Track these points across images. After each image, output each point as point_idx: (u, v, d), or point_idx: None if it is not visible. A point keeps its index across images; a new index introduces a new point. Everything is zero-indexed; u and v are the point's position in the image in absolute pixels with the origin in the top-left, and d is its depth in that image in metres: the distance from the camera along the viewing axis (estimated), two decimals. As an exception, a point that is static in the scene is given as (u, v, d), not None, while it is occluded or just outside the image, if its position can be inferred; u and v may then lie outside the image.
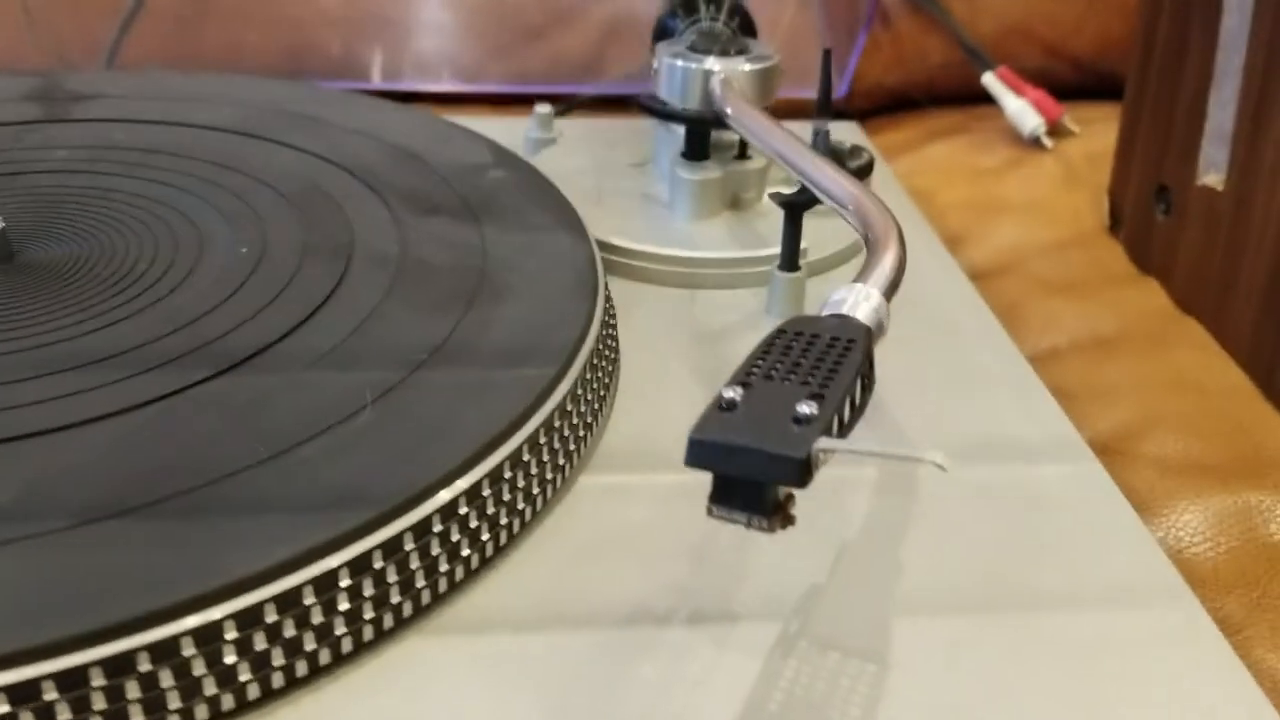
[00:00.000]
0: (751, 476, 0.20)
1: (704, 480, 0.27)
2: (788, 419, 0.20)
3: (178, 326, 0.29)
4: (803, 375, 0.22)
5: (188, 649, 0.21)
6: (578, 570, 0.26)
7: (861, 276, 0.27)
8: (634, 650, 0.24)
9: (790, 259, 0.36)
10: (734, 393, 0.21)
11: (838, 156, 0.43)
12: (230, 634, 0.22)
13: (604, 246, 0.38)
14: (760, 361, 0.23)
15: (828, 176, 0.32)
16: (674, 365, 0.34)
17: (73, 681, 0.20)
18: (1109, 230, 0.59)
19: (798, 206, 0.35)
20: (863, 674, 0.24)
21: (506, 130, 0.45)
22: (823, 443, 0.20)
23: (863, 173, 0.44)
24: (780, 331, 0.24)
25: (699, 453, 0.20)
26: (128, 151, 0.39)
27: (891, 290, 0.27)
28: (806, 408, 0.21)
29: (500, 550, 0.26)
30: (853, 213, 0.31)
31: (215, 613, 0.21)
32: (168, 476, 0.24)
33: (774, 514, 0.20)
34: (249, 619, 0.22)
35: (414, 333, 0.30)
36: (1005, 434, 0.32)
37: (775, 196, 0.35)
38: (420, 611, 0.25)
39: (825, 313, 0.25)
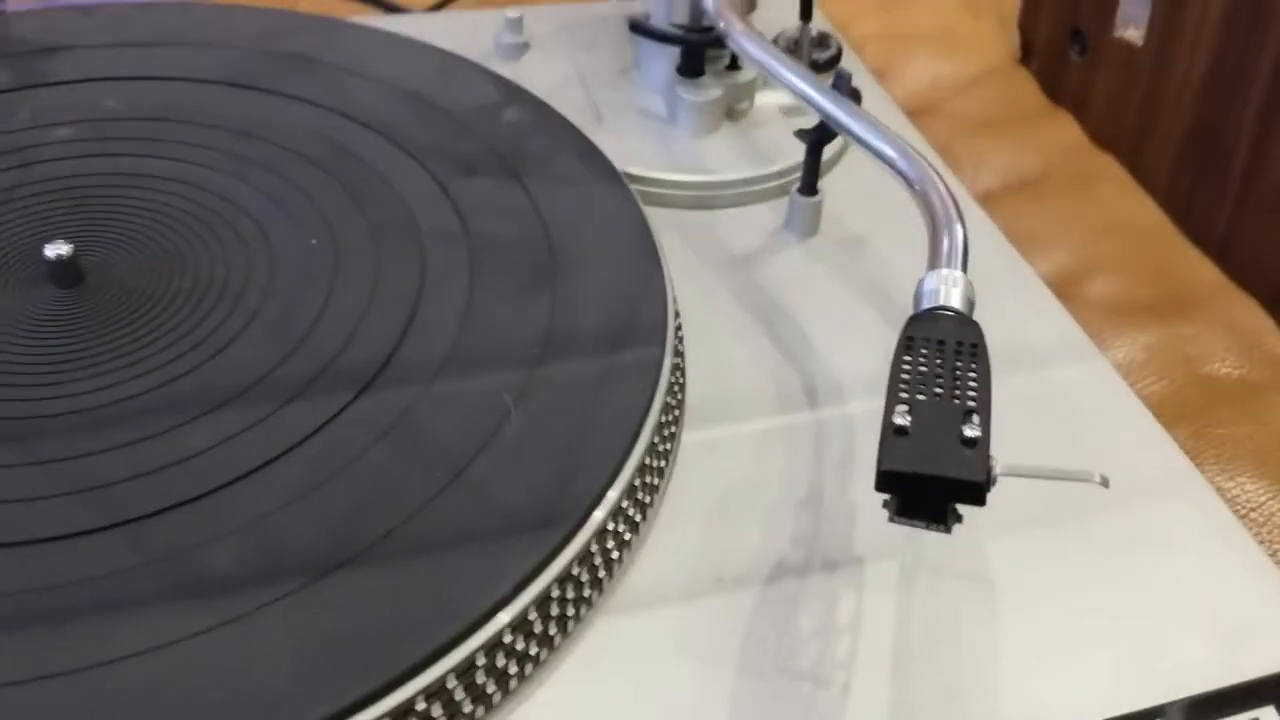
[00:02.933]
0: (938, 499, 0.24)
1: (791, 424, 0.31)
2: (957, 441, 0.24)
3: (294, 346, 0.31)
4: (949, 388, 0.26)
5: (451, 683, 0.24)
6: (713, 534, 0.30)
7: (936, 258, 0.30)
8: (788, 603, 0.29)
9: (810, 184, 0.39)
10: (903, 419, 0.25)
11: (814, 59, 0.45)
12: (481, 660, 0.25)
13: (630, 178, 0.40)
14: (906, 377, 0.26)
15: (878, 137, 0.34)
16: (723, 301, 0.37)
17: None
18: (1019, 61, 0.63)
19: (820, 141, 0.38)
20: (976, 595, 0.29)
21: (467, 33, 0.45)
22: (999, 469, 0.24)
23: (832, 62, 0.46)
24: (909, 339, 0.27)
25: (890, 481, 0.24)
26: (130, 123, 0.38)
27: (966, 258, 0.31)
28: (970, 430, 0.24)
29: (645, 524, 0.30)
30: (915, 188, 0.33)
31: (468, 647, 0.25)
32: (366, 518, 0.27)
33: (952, 521, 0.24)
34: (493, 644, 0.25)
35: (517, 322, 0.32)
36: (1016, 339, 0.37)
37: (801, 135, 0.38)
38: (603, 593, 0.28)
39: (923, 305, 0.29)
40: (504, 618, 0.25)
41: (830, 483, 0.32)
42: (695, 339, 0.36)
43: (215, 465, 0.28)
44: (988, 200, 0.55)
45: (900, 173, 0.33)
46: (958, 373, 0.26)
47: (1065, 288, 0.50)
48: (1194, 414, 0.44)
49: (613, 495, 0.28)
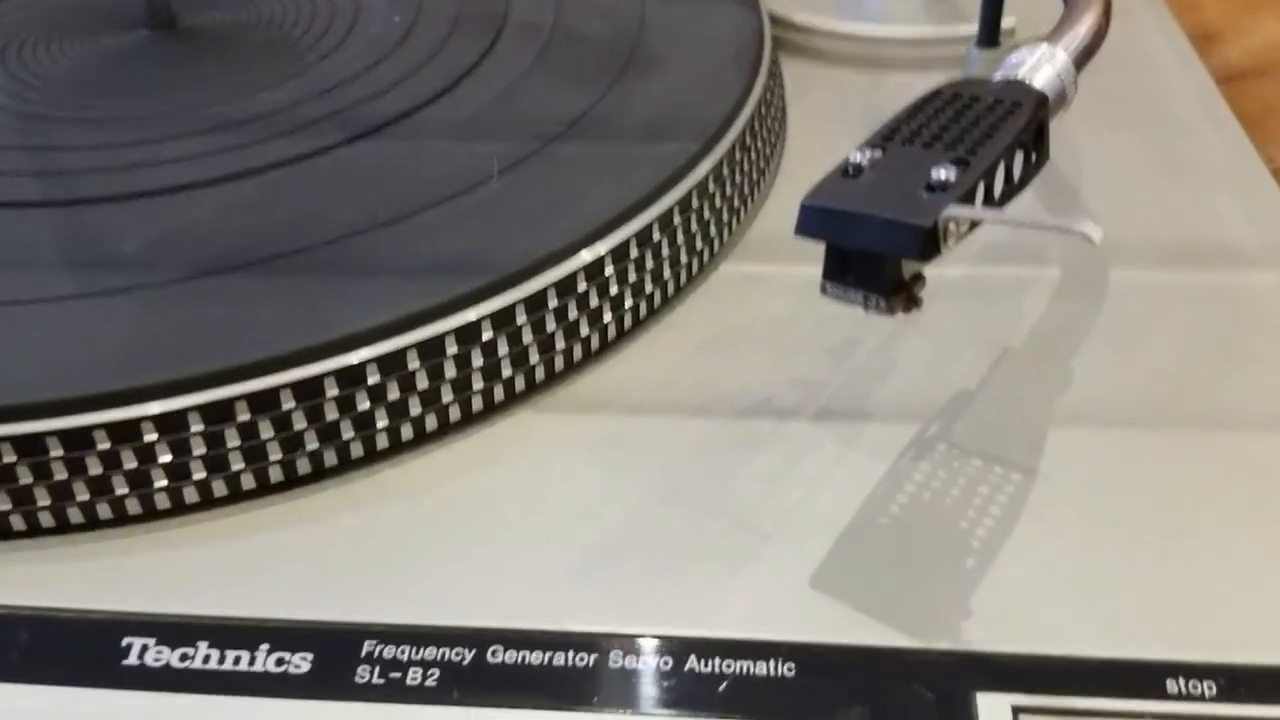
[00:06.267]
0: (867, 246, 0.17)
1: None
2: (919, 185, 0.18)
3: (319, 92, 0.29)
4: (949, 140, 0.19)
5: (287, 402, 0.21)
6: (704, 358, 0.25)
7: (1050, 37, 0.23)
8: (751, 441, 0.23)
9: (990, 33, 0.32)
10: (863, 156, 0.19)
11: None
12: (331, 391, 0.21)
13: (781, 23, 0.35)
14: (904, 124, 0.20)
15: None
16: (845, 152, 0.31)
17: (172, 424, 0.20)
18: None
19: (999, -28, 0.31)
20: (1004, 483, 0.21)
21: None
22: (953, 210, 0.17)
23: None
24: (936, 92, 0.21)
25: (812, 220, 0.18)
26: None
27: (1084, 57, 0.23)
28: (944, 173, 0.18)
29: (625, 333, 0.25)
30: None
31: (314, 369, 0.21)
32: (285, 235, 0.24)
33: (895, 293, 0.18)
34: (350, 378, 0.21)
35: (554, 105, 0.28)
36: (1219, 236, 0.28)
37: (974, -40, 0.31)
38: (533, 387, 0.24)
39: (999, 75, 0.22)
40: (360, 355, 0.21)
41: (874, 338, 0.25)
42: (790, 181, 0.30)
43: (177, 171, 0.26)
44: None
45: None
46: (975, 128, 0.19)
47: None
48: None
49: (556, 272, 0.23)
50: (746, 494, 0.21)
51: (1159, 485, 0.21)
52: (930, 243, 0.17)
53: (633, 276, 0.25)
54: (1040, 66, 0.22)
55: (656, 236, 0.25)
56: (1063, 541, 0.20)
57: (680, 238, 0.26)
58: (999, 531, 0.21)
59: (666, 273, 0.26)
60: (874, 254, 0.17)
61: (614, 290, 0.24)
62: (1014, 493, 0.21)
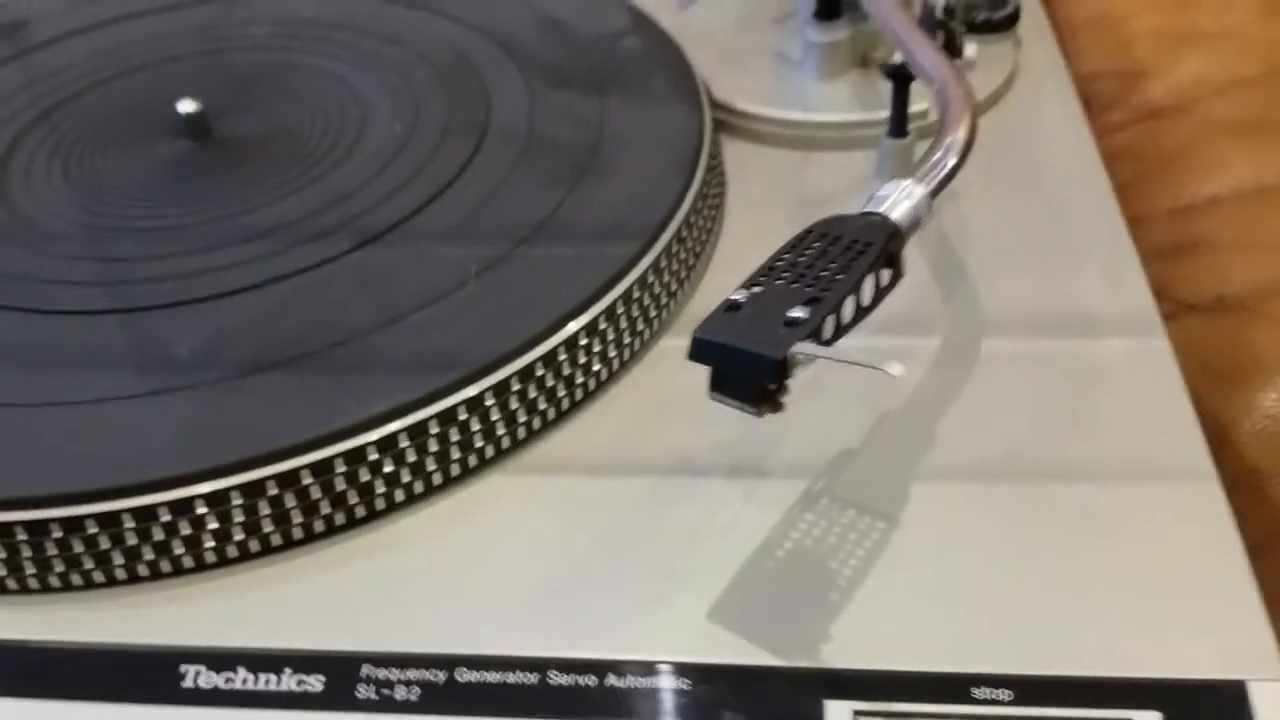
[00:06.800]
0: (736, 372, 0.23)
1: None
2: (779, 322, 0.23)
3: (331, 203, 0.35)
4: (810, 278, 0.24)
5: (306, 478, 0.27)
6: (640, 426, 0.30)
7: (914, 169, 0.29)
8: (675, 497, 0.28)
9: (898, 125, 0.37)
10: (742, 295, 0.24)
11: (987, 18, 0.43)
12: (340, 467, 0.27)
13: (723, 108, 0.41)
14: (779, 262, 0.25)
15: (919, 47, 0.33)
16: (775, 230, 0.37)
17: (218, 500, 0.26)
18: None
19: (904, 76, 0.36)
20: (871, 531, 0.27)
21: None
22: (800, 347, 0.23)
23: (1008, 22, 0.44)
24: (807, 232, 0.26)
25: (700, 349, 0.23)
26: (315, 28, 0.44)
27: (943, 184, 0.29)
28: (799, 312, 0.23)
29: (577, 404, 0.31)
30: (936, 91, 0.32)
31: (327, 451, 0.27)
32: (305, 337, 0.30)
33: (761, 403, 0.23)
34: (354, 456, 0.27)
35: (525, 209, 0.34)
36: (1081, 306, 0.33)
37: (883, 66, 0.36)
38: (501, 454, 0.29)
39: (866, 207, 0.27)
40: (361, 439, 0.27)
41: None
42: (728, 256, 0.36)
43: (218, 280, 0.32)
44: (1211, 205, 0.49)
45: (931, 85, 0.31)
46: (832, 266, 0.25)
47: (1259, 301, 0.43)
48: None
49: (518, 363, 0.29)
50: (668, 542, 0.27)
51: (995, 530, 0.27)
52: (781, 371, 0.22)
53: (582, 359, 0.30)
54: (900, 202, 0.27)
55: (603, 326, 0.31)
56: (907, 579, 0.26)
57: (624, 323, 0.31)
58: (861, 571, 0.26)
59: (612, 352, 0.31)
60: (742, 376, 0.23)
61: (566, 371, 0.30)
62: (877, 539, 0.27)
